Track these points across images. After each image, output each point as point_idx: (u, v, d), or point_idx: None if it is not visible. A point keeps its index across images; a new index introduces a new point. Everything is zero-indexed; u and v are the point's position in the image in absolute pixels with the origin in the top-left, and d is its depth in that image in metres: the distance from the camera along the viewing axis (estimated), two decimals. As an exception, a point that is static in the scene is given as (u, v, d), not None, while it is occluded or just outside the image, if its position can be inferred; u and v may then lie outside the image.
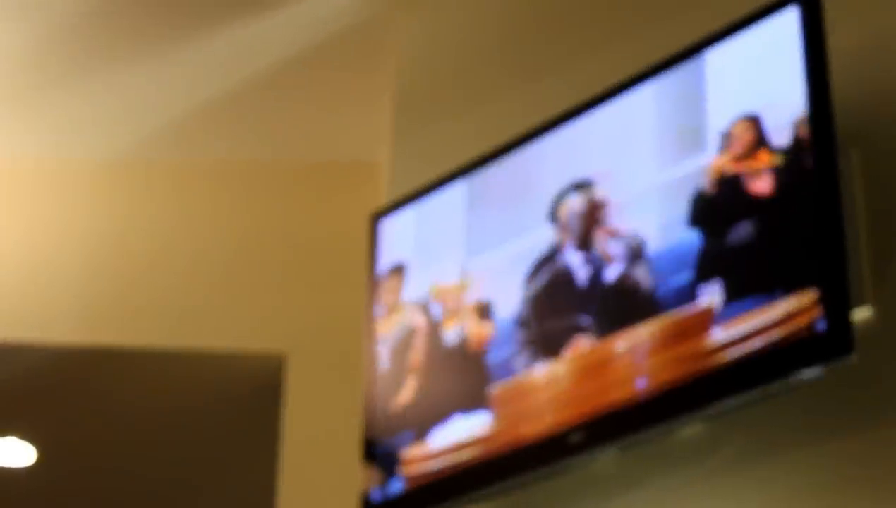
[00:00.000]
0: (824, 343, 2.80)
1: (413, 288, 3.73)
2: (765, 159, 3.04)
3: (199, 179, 5.05)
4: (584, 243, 3.37)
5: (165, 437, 5.33)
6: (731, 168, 3.10)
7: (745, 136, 3.10)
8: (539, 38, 3.92)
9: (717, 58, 3.21)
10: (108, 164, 5.01)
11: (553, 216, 3.42)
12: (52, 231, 4.99)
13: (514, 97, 3.75)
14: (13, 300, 4.89)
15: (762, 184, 3.03)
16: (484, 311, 3.48)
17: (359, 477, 3.67)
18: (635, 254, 3.23)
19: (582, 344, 3.26)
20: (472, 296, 3.52)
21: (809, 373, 2.82)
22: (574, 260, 3.35)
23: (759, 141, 3.06)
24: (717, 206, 3.10)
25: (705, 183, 3.12)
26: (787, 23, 3.07)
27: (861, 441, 2.99)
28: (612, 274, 3.27)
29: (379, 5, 4.22)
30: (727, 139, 3.12)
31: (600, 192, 3.34)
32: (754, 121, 3.08)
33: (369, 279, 3.82)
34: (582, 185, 3.37)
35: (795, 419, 3.03)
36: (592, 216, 3.34)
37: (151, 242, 4.99)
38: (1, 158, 4.98)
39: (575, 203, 3.36)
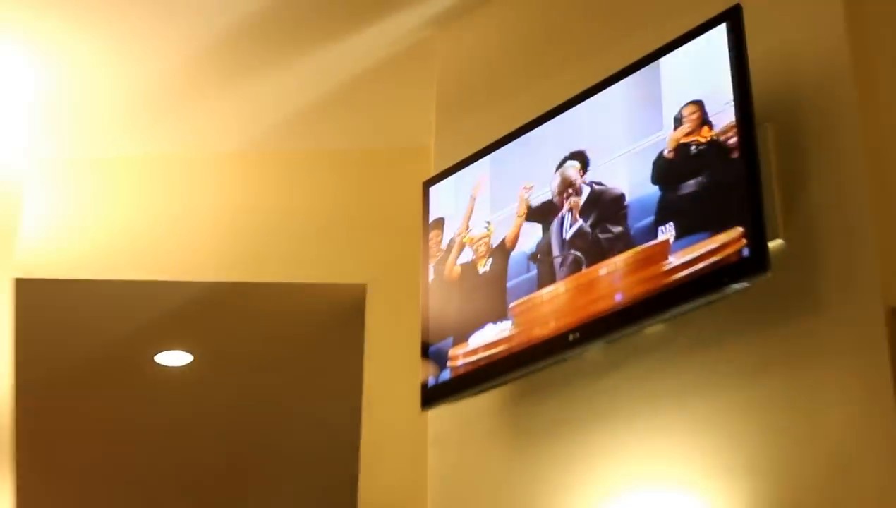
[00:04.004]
0: (748, 264, 2.91)
1: (453, 235, 3.77)
2: (707, 133, 3.11)
3: (302, 162, 5.06)
4: (575, 197, 3.38)
5: (277, 347, 5.36)
6: (682, 140, 3.15)
7: (692, 117, 3.19)
8: (544, 50, 3.92)
9: (670, 61, 3.30)
10: (239, 154, 5.03)
11: (553, 178, 3.42)
12: (202, 203, 5.04)
13: (525, 94, 3.79)
14: (175, 252, 4.93)
15: (704, 151, 3.07)
16: (503, 250, 3.51)
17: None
18: (614, 203, 3.23)
19: (575, 271, 3.30)
20: (496, 240, 3.57)
21: (738, 286, 2.95)
22: (566, 211, 3.39)
23: (703, 120, 3.15)
24: (672, 169, 3.19)
25: (664, 151, 3.18)
26: (719, 35, 3.16)
27: (775, 333, 3.07)
28: (594, 220, 3.31)
29: (426, 29, 4.21)
30: (679, 120, 3.20)
31: (589, 158, 3.37)
32: (699, 106, 3.17)
33: (423, 228, 3.82)
34: (576, 155, 3.43)
35: (729, 319, 3.12)
36: (581, 178, 3.35)
37: (269, 209, 5.00)
38: (164, 150, 4.97)
39: (569, 168, 3.39)
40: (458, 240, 3.73)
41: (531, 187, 3.54)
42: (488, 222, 3.64)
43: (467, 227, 3.73)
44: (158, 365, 5.58)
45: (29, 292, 4.94)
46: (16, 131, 4.84)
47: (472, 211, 3.73)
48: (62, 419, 6.14)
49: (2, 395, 5.96)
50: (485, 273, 3.60)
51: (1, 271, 5.03)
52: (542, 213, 3.48)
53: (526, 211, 3.52)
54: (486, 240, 3.62)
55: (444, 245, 3.79)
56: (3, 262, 5.05)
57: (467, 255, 3.68)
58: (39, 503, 7.21)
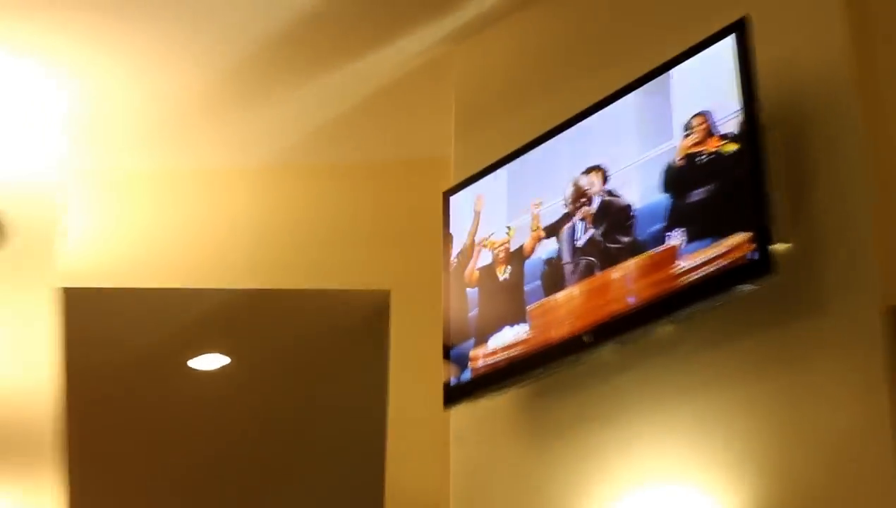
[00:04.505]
0: (755, 267, 2.93)
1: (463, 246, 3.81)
2: (715, 142, 3.12)
3: (328, 175, 5.08)
4: (587, 207, 3.39)
5: (308, 350, 5.38)
6: (691, 150, 3.16)
7: (700, 127, 3.20)
8: (557, 64, 3.94)
9: (679, 72, 3.31)
10: (269, 167, 5.05)
11: (567, 187, 3.44)
12: (236, 214, 5.07)
13: (540, 105, 3.80)
14: (211, 260, 4.96)
15: (713, 160, 3.08)
16: (521, 256, 3.53)
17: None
18: (623, 213, 3.25)
19: (589, 276, 3.33)
20: (514, 246, 3.58)
21: (746, 288, 2.97)
22: (578, 220, 3.41)
23: (711, 130, 3.15)
24: (681, 176, 3.20)
25: (673, 160, 3.20)
26: (727, 46, 3.17)
27: (779, 333, 3.09)
28: (605, 228, 3.33)
29: (444, 46, 4.23)
30: (687, 130, 3.21)
31: (603, 170, 3.39)
32: (706, 116, 3.17)
33: (444, 236, 3.85)
34: (595, 169, 3.44)
35: (735, 320, 3.13)
36: (600, 188, 3.36)
37: (298, 220, 5.03)
38: (199, 164, 5.01)
39: (583, 178, 3.40)
40: (479, 244, 3.74)
41: (539, 204, 3.56)
42: (509, 227, 3.65)
43: (472, 242, 3.76)
44: (193, 369, 5.61)
45: (73, 300, 5.02)
46: (58, 147, 4.88)
47: (477, 225, 3.76)
48: (108, 419, 6.19)
49: (52, 396, 6.04)
50: (504, 279, 3.61)
51: (46, 281, 5.10)
52: (556, 225, 3.49)
53: (538, 226, 3.54)
54: (507, 245, 3.64)
55: (455, 251, 3.82)
56: (47, 272, 5.11)
57: (486, 259, 3.70)
58: (88, 493, 7.30)
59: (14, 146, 4.86)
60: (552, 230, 3.50)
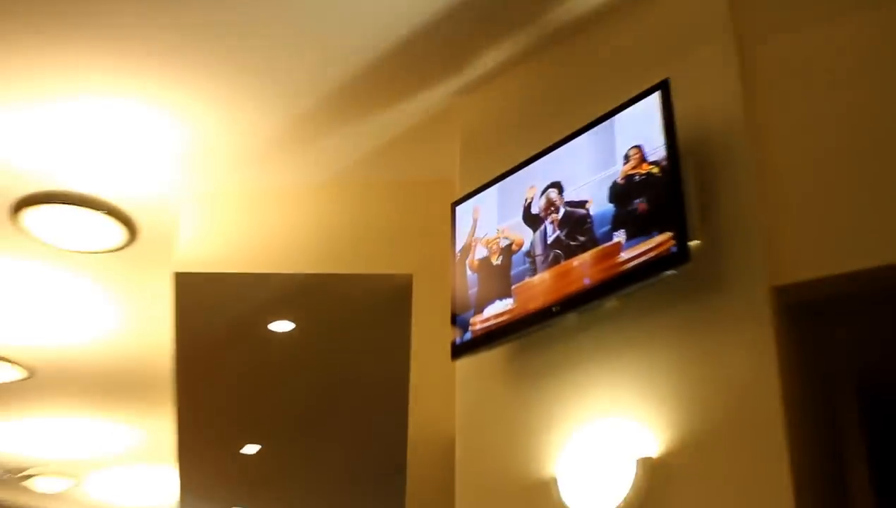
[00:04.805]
0: (675, 258, 2.95)
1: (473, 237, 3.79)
2: (646, 167, 3.14)
3: (367, 190, 4.99)
4: (555, 214, 3.40)
5: (349, 318, 5.38)
6: (629, 172, 3.18)
7: (635, 156, 3.20)
8: (535, 111, 3.91)
9: (621, 117, 3.31)
10: (322, 185, 5.03)
11: (540, 200, 3.47)
12: (300, 218, 5.04)
13: (522, 141, 3.76)
14: (282, 252, 4.97)
15: (644, 180, 3.10)
16: (508, 250, 3.57)
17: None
18: (581, 219, 3.27)
19: (556, 264, 3.34)
20: (503, 243, 3.59)
21: (669, 273, 2.98)
22: (548, 223, 3.43)
23: (643, 158, 3.16)
24: (622, 192, 3.20)
25: (617, 180, 3.20)
26: (654, 99, 3.19)
27: (693, 306, 3.10)
28: (567, 230, 3.34)
29: (452, 98, 4.24)
30: (626, 158, 3.22)
31: (563, 186, 3.39)
32: (640, 148, 3.19)
33: (451, 235, 3.88)
34: (555, 184, 3.45)
35: (662, 296, 3.15)
36: (560, 199, 3.38)
37: (344, 223, 4.99)
38: (276, 182, 5.04)
39: (551, 193, 3.43)
40: (477, 241, 3.72)
41: (524, 205, 3.56)
42: (498, 229, 3.64)
43: (472, 240, 3.75)
44: (271, 331, 5.63)
45: (186, 281, 5.05)
46: (175, 170, 4.90)
47: (475, 228, 3.77)
48: (208, 369, 6.23)
49: (170, 352, 6.08)
50: (496, 265, 3.61)
51: (166, 268, 5.14)
52: (534, 222, 3.50)
53: (523, 222, 3.54)
54: (497, 241, 3.64)
55: (460, 246, 3.82)
56: (167, 262, 5.15)
57: (483, 252, 3.69)
58: (193, 424, 7.33)
59: (144, 169, 4.88)
60: (529, 223, 3.51)
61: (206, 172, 4.94)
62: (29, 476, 10.58)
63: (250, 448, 8.16)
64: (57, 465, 10.27)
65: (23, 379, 7.64)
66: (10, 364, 7.40)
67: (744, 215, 3.06)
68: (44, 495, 11.41)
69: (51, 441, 9.54)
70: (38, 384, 7.79)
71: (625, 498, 2.99)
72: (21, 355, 7.33)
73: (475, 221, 3.79)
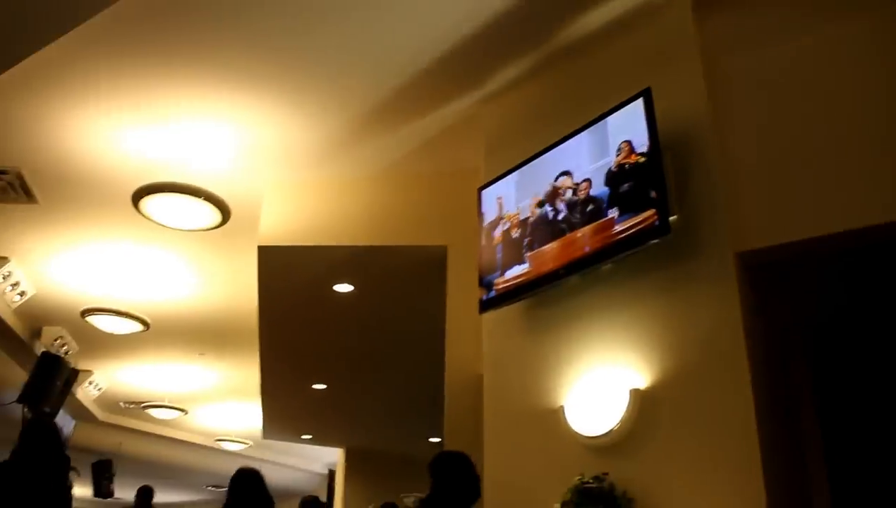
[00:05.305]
0: (658, 230, 2.96)
1: (496, 215, 3.77)
2: (634, 158, 3.13)
3: (412, 179, 4.96)
4: (562, 196, 3.36)
5: (397, 279, 5.35)
6: (621, 162, 3.17)
7: (625, 149, 3.19)
8: (546, 113, 3.88)
9: (613, 118, 3.30)
10: (373, 176, 5.01)
11: (551, 184, 3.45)
12: (359, 202, 5.03)
13: (535, 138, 3.74)
14: (353, 230, 4.95)
15: (633, 168, 3.08)
16: (525, 223, 3.57)
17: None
18: (585, 199, 3.24)
19: (562, 236, 3.32)
20: (522, 216, 3.59)
21: (654, 241, 2.98)
22: (558, 203, 3.41)
23: (632, 150, 3.14)
24: (615, 177, 3.19)
25: (611, 167, 3.19)
26: (639, 103, 3.19)
27: (671, 269, 3.08)
28: (573, 207, 3.32)
29: (477, 103, 4.22)
30: (619, 150, 3.21)
31: (570, 173, 3.37)
32: (629, 143, 3.18)
33: (477, 214, 3.87)
34: (565, 172, 3.43)
35: (648, 261, 3.14)
36: (567, 183, 3.36)
37: (393, 204, 4.98)
38: (339, 172, 5.00)
39: (560, 179, 3.43)
40: (500, 218, 3.71)
41: (539, 188, 3.52)
42: (517, 208, 3.62)
43: (497, 217, 3.72)
44: (335, 292, 5.65)
45: (267, 253, 5.07)
46: (260, 163, 4.91)
47: (500, 207, 3.74)
48: (285, 323, 6.28)
49: (252, 312, 6.14)
50: (515, 237, 3.60)
51: (252, 243, 5.16)
52: (546, 202, 3.47)
53: (540, 201, 3.50)
54: (517, 217, 3.62)
55: (485, 222, 3.81)
56: (253, 238, 5.16)
57: (505, 226, 3.67)
58: (273, 370, 7.46)
59: (235, 164, 4.90)
60: (543, 204, 3.47)
61: (284, 166, 4.92)
62: (148, 407, 10.75)
63: (318, 387, 8.23)
64: (169, 398, 10.42)
65: (142, 331, 7.75)
66: (133, 319, 7.52)
67: (712, 195, 3.06)
68: (159, 422, 11.60)
69: (164, 380, 9.69)
70: (154, 334, 7.89)
71: (620, 420, 3.02)
72: (141, 311, 7.44)
73: (498, 202, 3.76)
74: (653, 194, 2.98)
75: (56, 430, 3.94)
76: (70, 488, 3.82)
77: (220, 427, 12.04)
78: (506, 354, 3.70)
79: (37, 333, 7.67)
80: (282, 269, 5.26)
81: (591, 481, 2.90)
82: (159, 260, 6.35)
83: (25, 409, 7.02)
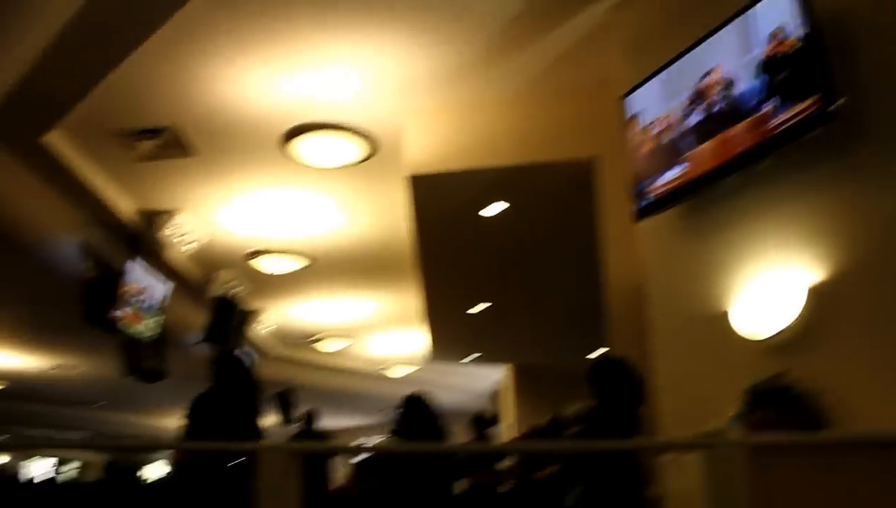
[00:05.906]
0: (823, 117, 2.77)
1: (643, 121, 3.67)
2: (788, 43, 2.90)
3: (552, 95, 4.90)
4: (712, 94, 3.25)
5: (548, 195, 5.44)
6: (773, 51, 2.96)
7: (778, 36, 2.96)
8: (686, 12, 3.70)
9: (761, 6, 3.05)
10: (513, 99, 5.00)
11: (700, 83, 3.32)
12: (501, 123, 5.06)
13: (677, 39, 3.52)
14: (491, 150, 5.03)
15: (789, 55, 2.87)
16: (674, 126, 3.47)
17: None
18: (736, 95, 3.12)
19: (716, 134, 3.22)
20: (672, 120, 3.47)
21: (814, 133, 2.80)
22: (709, 100, 3.27)
23: (785, 37, 2.93)
24: (770, 67, 2.97)
25: (763, 58, 3.00)
26: None
27: (840, 159, 2.87)
28: (724, 104, 3.19)
29: (610, 10, 4.13)
30: (771, 37, 3.00)
31: (717, 70, 3.22)
32: (782, 28, 2.94)
33: (622, 122, 3.78)
34: (711, 70, 3.25)
35: (808, 155, 2.94)
36: (715, 80, 3.24)
37: (535, 124, 5.02)
38: (475, 95, 5.02)
39: (708, 77, 3.29)
40: (649, 123, 3.60)
41: (684, 92, 3.39)
42: (666, 111, 3.50)
43: (647, 123, 3.62)
44: (488, 212, 5.76)
45: (416, 182, 5.21)
46: (398, 94, 5.00)
47: (647, 112, 3.62)
48: (442, 248, 6.48)
49: (407, 237, 6.35)
50: (666, 141, 3.49)
51: (401, 173, 5.30)
52: (695, 102, 3.35)
53: (689, 101, 3.38)
54: (666, 121, 3.50)
55: (633, 129, 3.72)
56: (401, 168, 5.31)
57: (654, 130, 3.58)
58: (436, 295, 7.68)
59: (377, 96, 5.01)
60: (693, 103, 3.35)
61: (424, 93, 4.98)
62: (318, 340, 11.41)
63: (480, 307, 8.47)
64: (337, 330, 11.00)
65: (306, 267, 8.17)
66: (297, 256, 7.95)
67: (882, 72, 2.80)
68: (329, 353, 12.29)
69: (331, 313, 10.22)
70: (317, 270, 8.30)
71: (796, 318, 2.92)
72: (304, 249, 7.84)
73: (643, 108, 3.67)
74: (815, 78, 2.80)
75: (243, 362, 4.32)
76: (260, 413, 4.20)
77: (385, 354, 12.62)
78: (665, 262, 3.68)
79: (211, 278, 8.27)
80: (433, 196, 5.39)
81: (764, 383, 2.84)
82: (316, 200, 6.66)
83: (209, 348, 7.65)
